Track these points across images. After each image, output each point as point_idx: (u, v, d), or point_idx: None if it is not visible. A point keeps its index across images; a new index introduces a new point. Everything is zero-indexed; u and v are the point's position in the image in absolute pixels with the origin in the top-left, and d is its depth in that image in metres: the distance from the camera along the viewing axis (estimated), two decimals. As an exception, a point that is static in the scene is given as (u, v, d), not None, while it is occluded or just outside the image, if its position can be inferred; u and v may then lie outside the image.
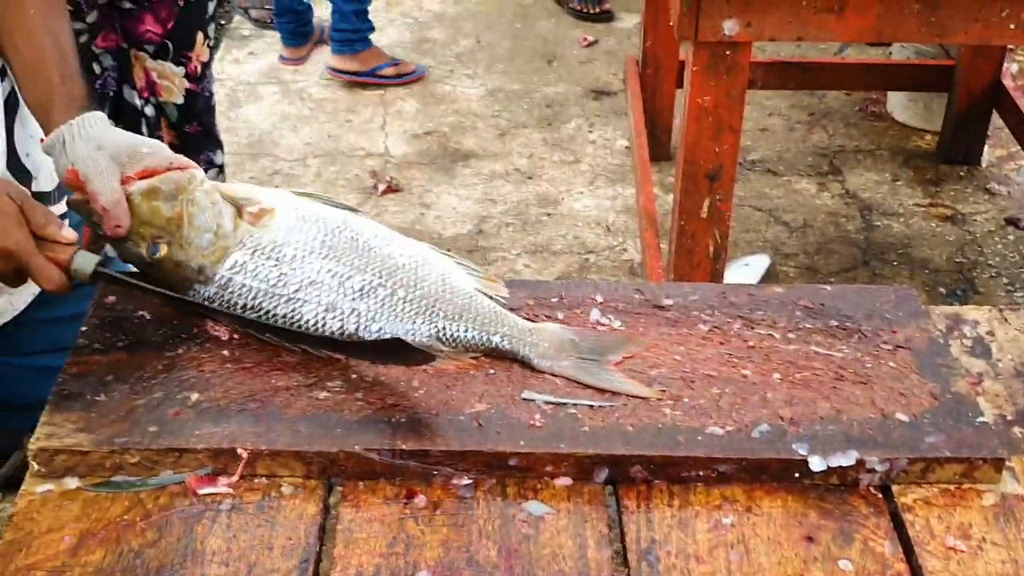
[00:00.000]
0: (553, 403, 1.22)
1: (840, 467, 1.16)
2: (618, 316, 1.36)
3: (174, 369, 1.25)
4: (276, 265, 1.29)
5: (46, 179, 1.47)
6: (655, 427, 1.19)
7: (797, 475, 1.17)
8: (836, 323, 1.35)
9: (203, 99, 2.72)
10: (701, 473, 1.17)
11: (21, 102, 1.43)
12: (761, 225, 3.52)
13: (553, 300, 1.37)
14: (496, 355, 1.28)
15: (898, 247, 3.44)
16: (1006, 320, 1.41)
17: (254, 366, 1.26)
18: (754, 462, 1.16)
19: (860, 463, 1.16)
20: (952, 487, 1.17)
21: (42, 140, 1.30)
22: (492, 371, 1.26)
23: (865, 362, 1.29)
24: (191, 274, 1.29)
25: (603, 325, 1.34)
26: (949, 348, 1.32)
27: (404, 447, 1.16)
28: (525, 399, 1.22)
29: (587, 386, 1.24)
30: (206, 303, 1.30)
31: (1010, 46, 3.88)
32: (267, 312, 1.29)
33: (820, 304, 1.38)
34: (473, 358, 1.28)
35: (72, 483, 1.15)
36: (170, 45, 2.59)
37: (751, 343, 1.32)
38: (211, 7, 2.67)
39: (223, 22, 5.02)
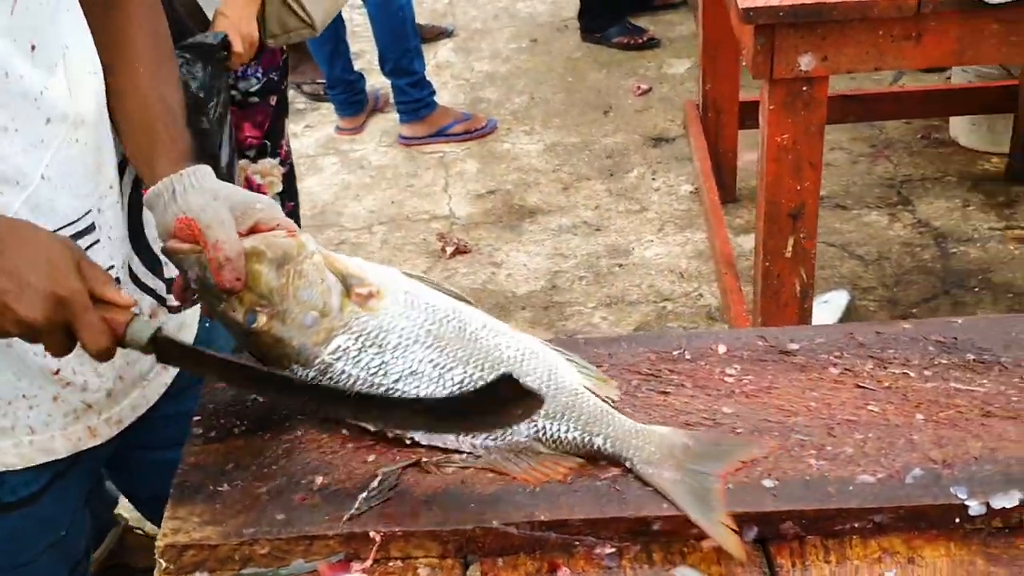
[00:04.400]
0: (689, 462, 1.17)
1: (1003, 509, 1.10)
2: (743, 364, 1.31)
3: (294, 453, 1.22)
4: (379, 353, 1.21)
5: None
6: (802, 479, 1.13)
7: (957, 520, 1.11)
8: (973, 356, 1.29)
9: (292, 175, 2.77)
10: (856, 525, 1.11)
11: None
12: (836, 260, 3.45)
13: (675, 353, 1.32)
14: (600, 458, 1.18)
15: (977, 273, 3.37)
16: None
17: (376, 443, 1.22)
18: (911, 509, 1.10)
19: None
20: (1124, 523, 1.11)
21: (144, 191, 1.27)
22: (620, 432, 1.21)
23: (1011, 396, 1.23)
24: (290, 352, 1.21)
25: (729, 376, 1.29)
26: (1097, 375, 1.26)
27: (543, 518, 1.11)
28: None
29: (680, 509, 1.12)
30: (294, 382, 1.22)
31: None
32: None
33: (953, 338, 1.32)
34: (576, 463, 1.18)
35: (203, 578, 1.11)
36: (268, 143, 2.63)
37: (886, 383, 1.26)
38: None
39: (276, 99, 5.06)
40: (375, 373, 1.21)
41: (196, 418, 1.28)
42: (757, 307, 2.55)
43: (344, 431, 1.24)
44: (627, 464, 1.17)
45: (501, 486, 1.15)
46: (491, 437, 1.20)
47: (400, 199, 4.14)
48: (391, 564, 1.11)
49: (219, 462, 1.21)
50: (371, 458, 1.20)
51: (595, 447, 1.18)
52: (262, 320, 1.21)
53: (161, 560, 1.11)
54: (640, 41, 5.11)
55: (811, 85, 2.28)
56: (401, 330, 1.22)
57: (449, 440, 1.20)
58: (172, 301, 1.41)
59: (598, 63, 5.04)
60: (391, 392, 1.20)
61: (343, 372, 1.21)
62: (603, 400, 1.23)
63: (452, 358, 1.22)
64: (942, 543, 1.10)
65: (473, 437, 1.20)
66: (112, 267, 1.30)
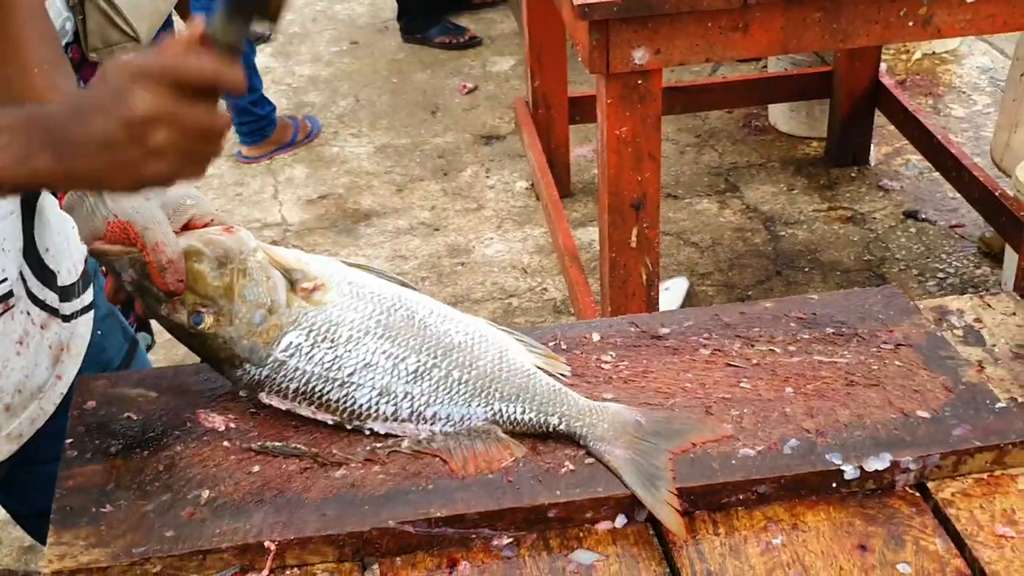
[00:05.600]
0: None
1: (876, 471, 1.16)
2: (618, 350, 1.34)
3: (176, 468, 1.19)
4: (332, 347, 1.20)
5: (68, 273, 1.39)
6: (687, 457, 1.17)
7: (834, 485, 1.16)
8: (832, 330, 1.35)
9: None
10: (741, 497, 1.15)
11: (42, 195, 1.35)
12: (672, 249, 3.55)
13: (551, 344, 1.34)
14: (553, 437, 1.20)
15: (806, 253, 3.51)
16: (989, 306, 1.43)
17: (258, 452, 1.20)
18: (792, 478, 1.15)
19: (895, 465, 1.16)
20: (985, 475, 1.17)
21: (61, 196, 1.21)
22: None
23: (871, 364, 1.29)
24: (241, 353, 1.20)
25: (606, 362, 1.31)
26: (947, 340, 1.33)
27: (439, 515, 1.11)
28: (547, 448, 1.19)
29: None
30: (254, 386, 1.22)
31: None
32: (320, 397, 1.20)
33: (812, 313, 1.38)
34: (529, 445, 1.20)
35: (92, 603, 1.07)
36: None
37: (755, 361, 1.31)
38: None
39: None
40: (329, 368, 1.20)
41: (68, 441, 1.23)
42: (605, 297, 2.60)
43: (225, 443, 1.22)
44: (580, 441, 1.19)
45: (393, 486, 1.15)
46: (447, 423, 1.21)
47: (229, 208, 4.06)
48: (288, 572, 1.10)
49: (98, 483, 1.17)
50: (256, 468, 1.18)
51: (550, 427, 1.20)
52: (208, 321, 1.19)
53: (47, 588, 1.07)
54: (462, 40, 5.15)
55: (646, 78, 2.34)
56: (351, 322, 1.21)
57: (408, 428, 1.20)
58: (63, 311, 1.38)
59: (422, 63, 5.05)
60: (347, 385, 1.20)
61: (297, 369, 1.20)
62: (555, 378, 1.25)
63: (405, 347, 1.21)
64: (822, 508, 1.15)
65: (431, 424, 1.20)
66: (6, 280, 1.25)
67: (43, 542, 1.69)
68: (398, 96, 4.77)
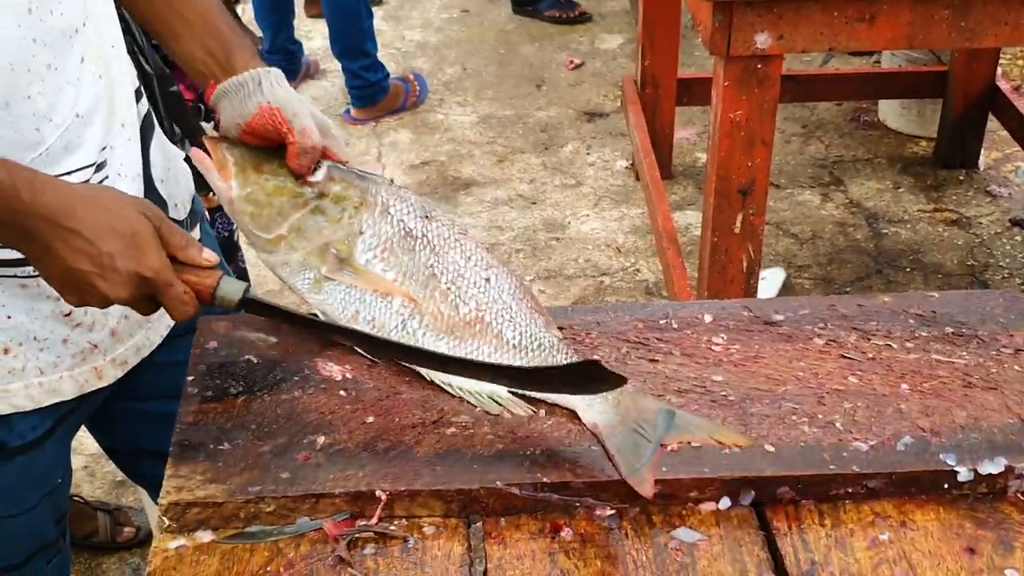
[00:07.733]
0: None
1: (989, 475, 1.14)
2: (730, 333, 1.33)
3: (293, 413, 1.21)
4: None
5: (180, 206, 1.44)
6: (798, 446, 1.16)
7: (946, 486, 1.15)
8: (951, 330, 1.34)
9: None
10: (850, 490, 1.14)
11: (156, 128, 1.40)
12: (771, 239, 3.51)
13: (662, 322, 1.35)
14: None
15: (908, 253, 3.45)
16: (1112, 318, 1.40)
17: (373, 404, 1.22)
18: (904, 475, 1.14)
19: (1009, 470, 1.14)
20: (1100, 488, 1.16)
21: (214, 84, 1.29)
22: (615, 397, 1.23)
23: (990, 367, 1.28)
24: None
25: (717, 345, 1.31)
26: (1068, 349, 1.31)
27: (546, 480, 1.12)
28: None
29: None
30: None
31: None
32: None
33: (932, 311, 1.37)
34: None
35: (206, 536, 1.10)
36: (203, 107, 2.59)
37: (870, 355, 1.30)
38: None
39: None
40: None
41: (189, 378, 1.26)
42: (702, 282, 2.59)
43: (342, 392, 1.24)
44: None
45: (502, 448, 1.16)
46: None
47: (333, 167, 4.10)
48: (396, 523, 1.12)
49: (218, 421, 1.20)
50: (370, 419, 1.20)
51: None
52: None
53: (164, 518, 1.10)
54: (572, 15, 5.13)
55: (766, 63, 2.32)
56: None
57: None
58: None
59: (530, 36, 5.05)
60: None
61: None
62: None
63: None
64: (932, 507, 1.14)
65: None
66: None
67: (134, 478, 1.74)
68: (505, 67, 4.77)
